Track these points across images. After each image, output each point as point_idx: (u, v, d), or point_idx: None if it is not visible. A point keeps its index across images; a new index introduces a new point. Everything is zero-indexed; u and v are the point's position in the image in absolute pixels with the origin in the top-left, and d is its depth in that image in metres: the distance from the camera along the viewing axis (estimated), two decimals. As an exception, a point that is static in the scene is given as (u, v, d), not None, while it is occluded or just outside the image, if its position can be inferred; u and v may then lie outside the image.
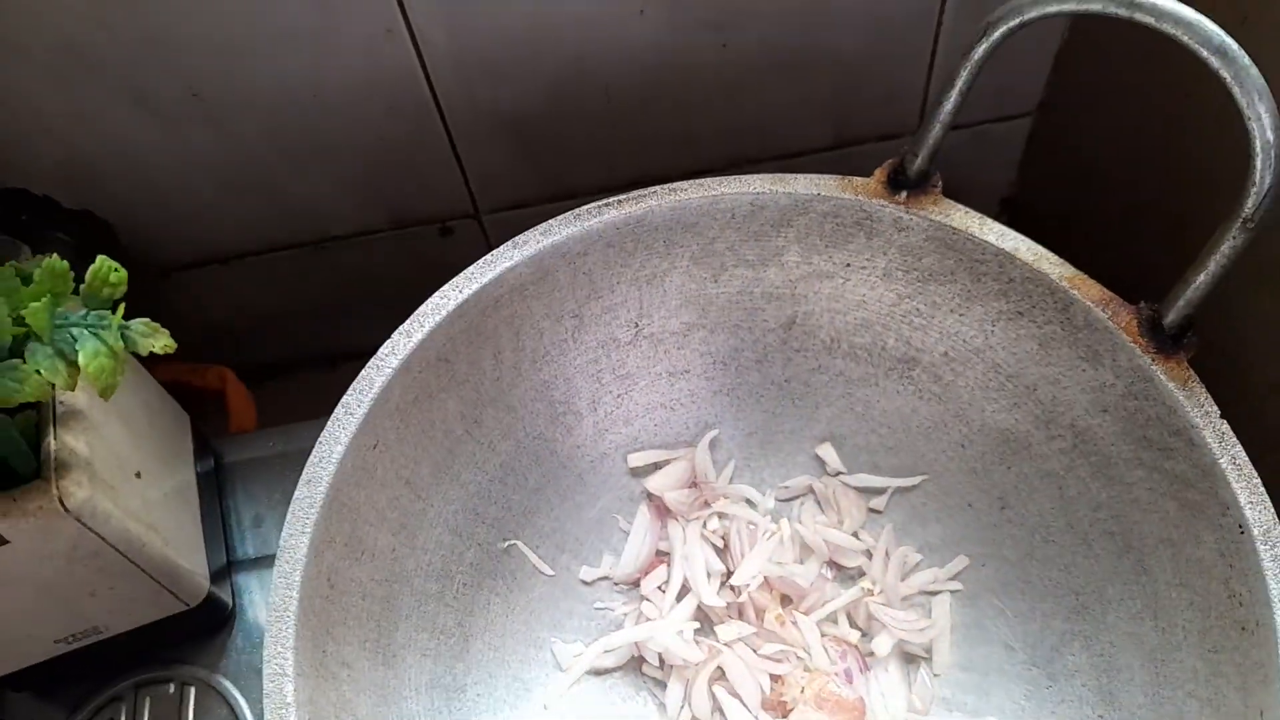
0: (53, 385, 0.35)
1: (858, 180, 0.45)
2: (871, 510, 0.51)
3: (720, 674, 0.46)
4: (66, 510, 0.37)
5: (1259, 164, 0.34)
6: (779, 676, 0.46)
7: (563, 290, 0.46)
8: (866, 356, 0.49)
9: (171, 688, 0.48)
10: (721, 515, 0.50)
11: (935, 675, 0.47)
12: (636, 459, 0.51)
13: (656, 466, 0.51)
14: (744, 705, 0.46)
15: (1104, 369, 0.42)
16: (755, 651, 0.47)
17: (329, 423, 0.40)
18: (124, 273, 0.37)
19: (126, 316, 0.37)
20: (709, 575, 0.48)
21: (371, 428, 0.41)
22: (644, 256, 0.46)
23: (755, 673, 0.46)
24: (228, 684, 0.48)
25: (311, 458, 0.39)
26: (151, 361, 0.45)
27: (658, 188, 0.45)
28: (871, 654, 0.47)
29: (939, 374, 0.48)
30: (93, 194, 0.54)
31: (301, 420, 0.54)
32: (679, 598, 0.48)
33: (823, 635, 0.47)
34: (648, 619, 0.48)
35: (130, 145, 0.52)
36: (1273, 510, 0.37)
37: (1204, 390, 0.39)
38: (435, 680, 0.43)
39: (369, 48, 0.49)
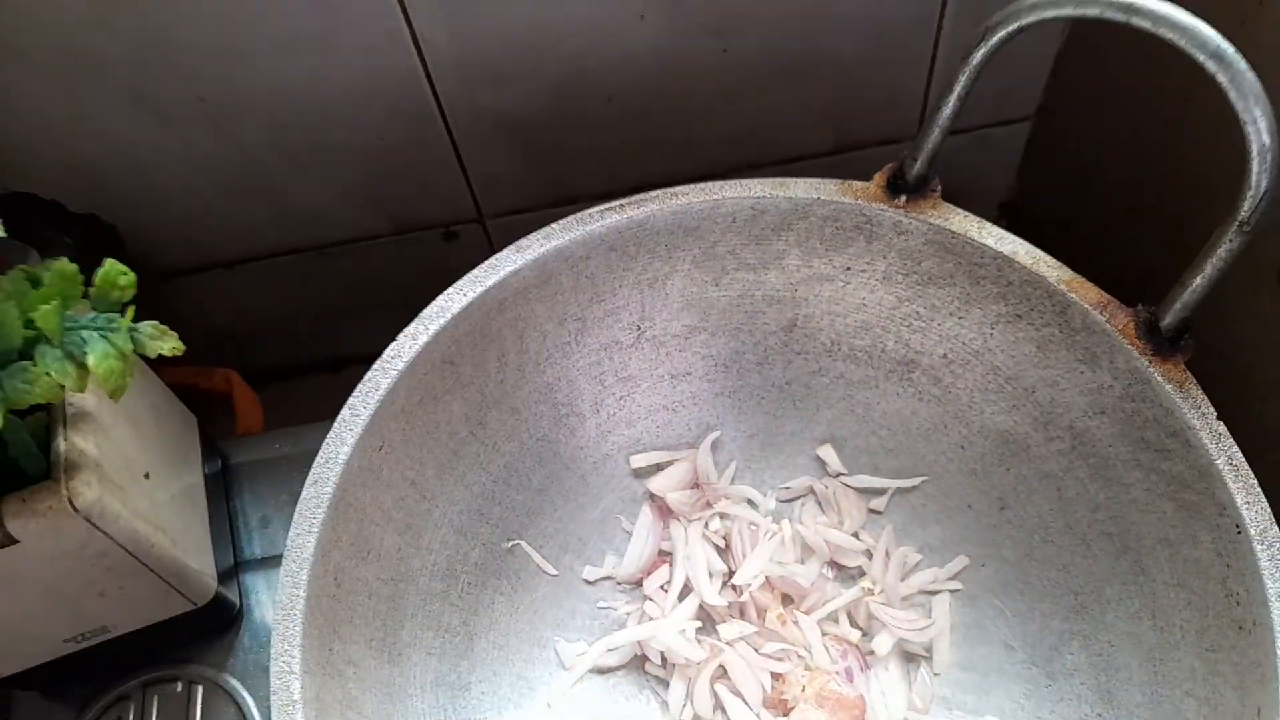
0: (63, 387, 0.35)
1: (857, 184, 0.45)
2: (872, 511, 0.51)
3: (722, 672, 0.47)
4: (76, 510, 0.37)
5: (1255, 167, 0.34)
6: (780, 675, 0.46)
7: (566, 293, 0.46)
8: (866, 359, 0.49)
9: (179, 686, 0.48)
10: (723, 516, 0.50)
11: (935, 674, 0.47)
12: (639, 460, 0.51)
13: (659, 468, 0.52)
14: (745, 704, 0.46)
15: (1102, 371, 0.42)
16: (757, 650, 0.47)
17: (335, 424, 0.40)
18: (133, 276, 0.37)
19: (132, 320, 0.37)
20: (711, 575, 0.49)
21: (377, 429, 0.41)
22: (646, 260, 0.47)
23: (757, 671, 0.46)
24: (235, 683, 0.48)
25: (318, 459, 0.40)
26: (159, 364, 0.45)
27: (659, 192, 0.45)
28: (872, 653, 0.47)
29: (938, 376, 0.48)
30: (96, 198, 0.54)
31: (304, 423, 0.54)
32: (681, 597, 0.49)
33: (823, 634, 0.48)
34: (650, 618, 0.48)
35: (133, 149, 0.52)
36: (1269, 510, 0.37)
37: (1200, 392, 0.39)
38: (440, 678, 0.44)
39: (372, 52, 0.50)
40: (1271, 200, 0.35)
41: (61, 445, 0.39)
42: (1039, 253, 0.43)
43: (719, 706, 0.46)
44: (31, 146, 0.51)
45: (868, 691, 0.46)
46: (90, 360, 0.35)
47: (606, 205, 0.45)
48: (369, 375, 0.41)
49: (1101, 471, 0.43)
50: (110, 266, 0.37)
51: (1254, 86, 0.33)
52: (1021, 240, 0.43)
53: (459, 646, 0.45)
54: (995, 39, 0.38)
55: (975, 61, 0.39)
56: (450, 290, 0.43)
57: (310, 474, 0.39)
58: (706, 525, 0.50)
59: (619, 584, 0.50)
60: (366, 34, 0.49)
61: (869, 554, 0.50)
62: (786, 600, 0.49)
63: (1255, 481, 0.38)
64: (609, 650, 0.48)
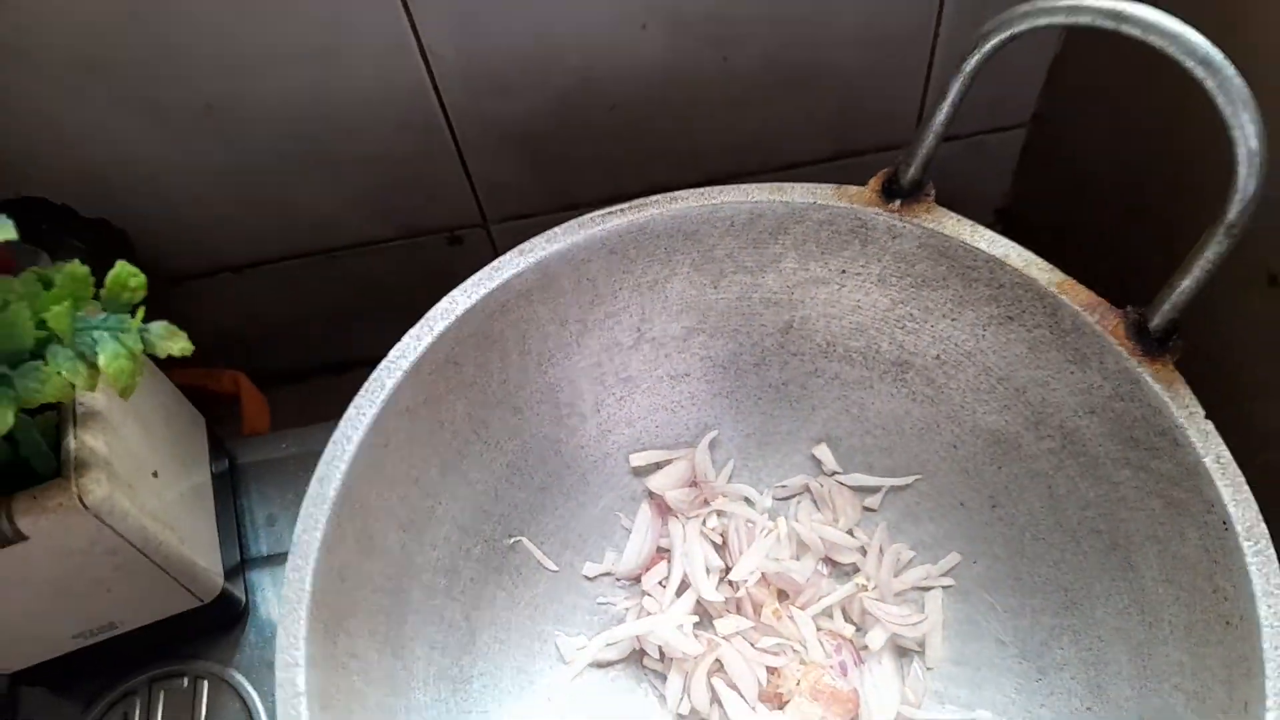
0: (73, 386, 0.35)
1: (853, 189, 0.45)
2: (866, 509, 0.51)
3: (719, 666, 0.47)
4: (85, 507, 0.38)
5: (1243, 171, 0.34)
6: (775, 669, 0.47)
7: (567, 296, 0.46)
8: (861, 360, 0.50)
9: (185, 682, 0.48)
10: (720, 513, 0.51)
11: (928, 669, 0.48)
12: (638, 459, 0.52)
13: (658, 466, 0.52)
14: (741, 697, 0.46)
15: (1092, 371, 0.42)
16: (753, 645, 0.47)
17: (341, 422, 0.41)
18: (143, 277, 0.37)
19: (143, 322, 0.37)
20: (708, 571, 0.49)
21: (382, 428, 0.41)
22: (646, 263, 0.47)
23: (752, 665, 0.46)
24: (240, 678, 0.48)
25: (324, 456, 0.40)
26: (168, 366, 0.45)
27: (658, 196, 0.45)
28: (866, 648, 0.48)
29: (931, 377, 0.49)
30: (107, 204, 0.54)
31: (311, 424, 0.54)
32: (679, 593, 0.49)
33: (818, 629, 0.48)
34: (649, 613, 0.48)
35: (144, 156, 0.52)
36: (1256, 507, 0.37)
37: (1189, 391, 0.39)
38: (442, 672, 0.44)
39: (380, 64, 0.50)
40: (1259, 204, 0.35)
41: (72, 444, 0.39)
42: (1030, 255, 0.43)
43: (715, 700, 0.47)
44: (43, 152, 0.51)
45: (861, 685, 0.47)
46: (101, 360, 0.35)
47: (607, 210, 0.45)
48: (374, 375, 0.42)
49: (1091, 470, 0.44)
50: (121, 268, 0.37)
51: (1241, 92, 0.33)
52: (1013, 243, 0.44)
53: (461, 640, 0.45)
54: (988, 46, 0.38)
55: (969, 68, 0.39)
56: (454, 292, 0.43)
57: (317, 470, 0.40)
58: (704, 523, 0.51)
59: (618, 580, 0.51)
60: (375, 46, 0.49)
61: (863, 551, 0.50)
62: (782, 596, 0.49)
63: (1242, 479, 0.38)
64: (608, 645, 0.48)
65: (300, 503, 0.39)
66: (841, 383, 0.51)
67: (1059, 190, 0.63)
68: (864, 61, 0.56)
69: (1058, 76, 0.59)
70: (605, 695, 0.48)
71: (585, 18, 0.50)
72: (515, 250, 0.44)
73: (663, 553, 0.51)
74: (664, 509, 0.51)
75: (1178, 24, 0.34)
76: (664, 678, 0.48)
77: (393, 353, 0.42)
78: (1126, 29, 0.34)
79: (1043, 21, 0.36)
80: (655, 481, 0.51)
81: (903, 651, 0.49)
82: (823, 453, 0.52)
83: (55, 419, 0.40)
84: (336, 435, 0.40)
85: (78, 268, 0.36)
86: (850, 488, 0.52)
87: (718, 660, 0.47)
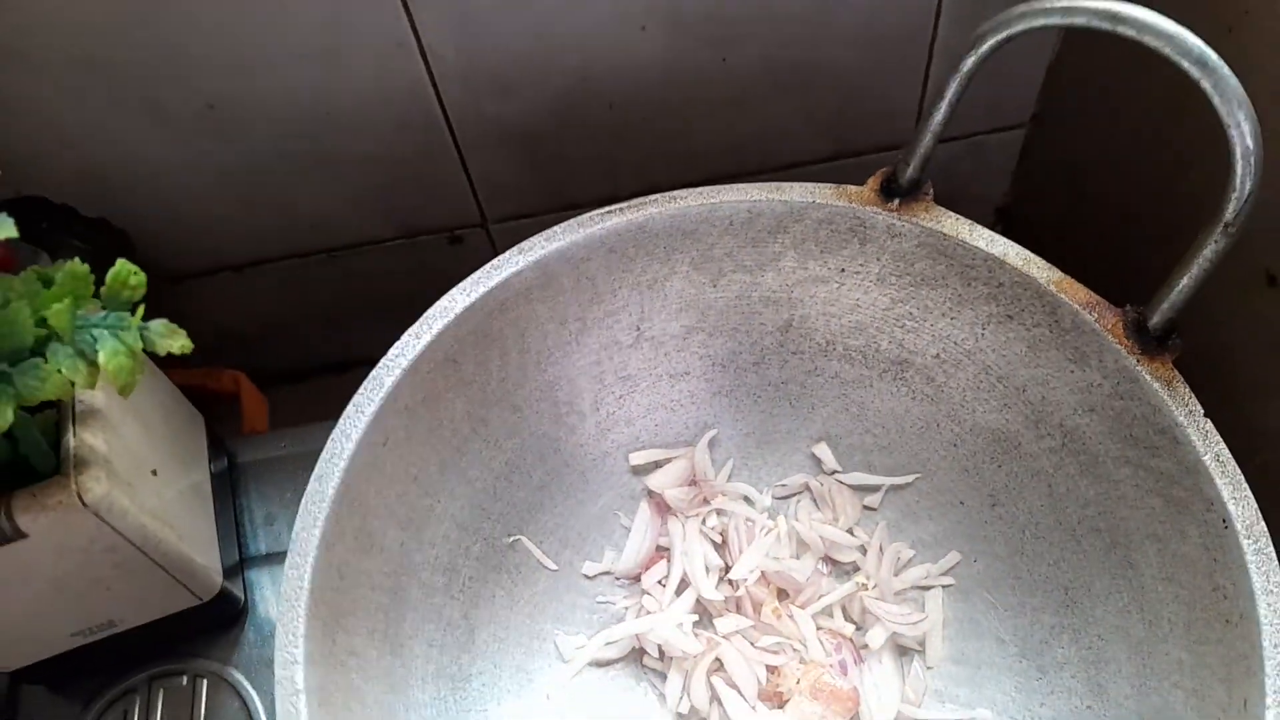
0: (73, 384, 0.35)
1: (852, 188, 0.45)
2: (866, 508, 0.51)
3: (718, 665, 0.47)
4: (85, 505, 0.38)
5: (1239, 170, 0.34)
6: (775, 668, 0.47)
7: (566, 294, 0.47)
8: (861, 359, 0.50)
9: (185, 680, 0.48)
10: (720, 512, 0.51)
11: (928, 668, 0.48)
12: (638, 458, 0.52)
13: (657, 465, 0.52)
14: (741, 696, 0.46)
15: (1091, 370, 0.42)
16: (752, 644, 0.47)
17: (340, 420, 0.41)
18: (143, 276, 0.37)
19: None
20: (708, 570, 0.49)
21: (381, 426, 0.41)
22: (645, 262, 0.47)
23: (752, 664, 0.47)
24: (240, 676, 0.48)
25: (323, 454, 0.40)
26: (168, 365, 0.45)
27: (658, 196, 0.45)
28: (866, 647, 0.48)
29: (931, 375, 0.49)
30: (108, 203, 0.54)
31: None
32: (678, 592, 0.49)
33: (818, 628, 0.48)
34: (648, 612, 0.48)
35: (144, 156, 0.52)
36: (1255, 505, 0.37)
37: (1188, 390, 0.40)
38: (441, 670, 0.44)
39: (380, 63, 0.50)
40: (1255, 202, 0.35)
41: (71, 442, 0.39)
42: (1029, 254, 0.43)
43: (715, 699, 0.47)
44: (44, 152, 0.51)
45: (861, 684, 0.47)
46: (101, 357, 0.35)
47: (607, 209, 0.45)
48: (374, 373, 0.42)
49: (1091, 468, 0.44)
50: (121, 266, 0.37)
51: (1237, 91, 0.33)
52: (1011, 242, 0.44)
53: (460, 639, 0.45)
54: (985, 47, 0.38)
55: (966, 69, 0.39)
56: (454, 290, 0.44)
57: (316, 468, 0.40)
58: (704, 521, 0.51)
59: (618, 579, 0.51)
60: (375, 46, 0.49)
61: (863, 550, 0.50)
62: (782, 595, 0.49)
63: (1242, 477, 0.38)
64: (607, 643, 0.48)
65: (299, 502, 0.39)
66: (841, 381, 0.51)
67: (1058, 190, 0.63)
68: (863, 62, 0.56)
69: (1056, 78, 0.59)
70: (604, 694, 0.48)
71: (585, 18, 0.50)
72: (514, 249, 0.45)
73: (662, 551, 0.51)
74: (663, 508, 0.51)
75: (1173, 25, 0.34)
76: (663, 676, 0.48)
77: (392, 351, 0.42)
78: (1122, 30, 0.34)
79: (1039, 22, 0.36)
80: (655, 480, 0.51)
81: (903, 650, 0.49)
82: (822, 451, 0.52)
83: (55, 417, 0.40)
84: (336, 433, 0.40)
85: (78, 266, 0.36)
86: (850, 486, 0.52)
87: (717, 659, 0.47)
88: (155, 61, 0.48)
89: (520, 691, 0.47)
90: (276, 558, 0.52)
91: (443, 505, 0.46)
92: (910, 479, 0.51)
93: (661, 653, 0.48)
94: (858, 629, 0.49)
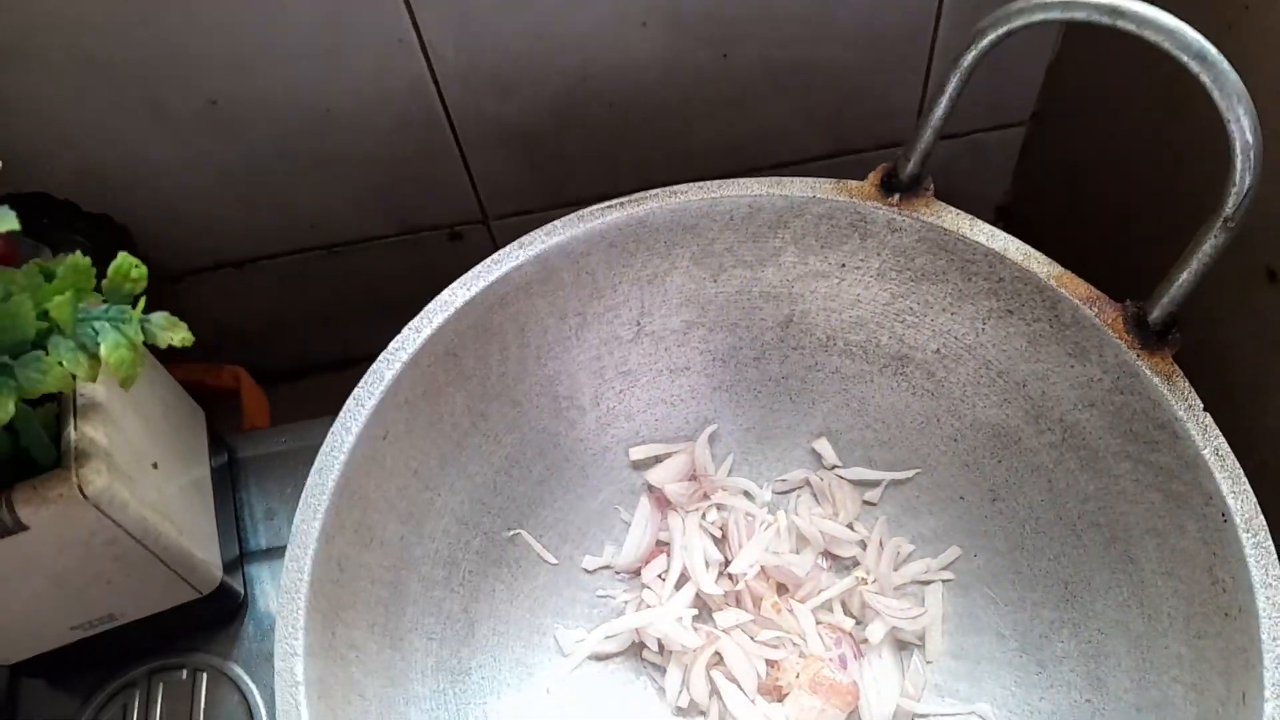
0: (74, 377, 0.35)
1: (852, 184, 0.45)
2: (866, 502, 0.51)
3: (718, 659, 0.47)
4: (85, 498, 0.38)
5: (1239, 165, 0.35)
6: (775, 662, 0.47)
7: (567, 289, 0.47)
8: (861, 354, 0.50)
9: (184, 674, 0.48)
10: (720, 507, 0.51)
11: (928, 662, 0.48)
12: (638, 452, 0.52)
13: (657, 460, 0.52)
14: (741, 689, 0.46)
15: (1091, 365, 0.42)
16: (752, 638, 0.47)
17: (341, 413, 0.41)
18: (144, 269, 0.37)
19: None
20: (707, 564, 0.49)
21: (381, 419, 0.42)
22: (645, 257, 0.47)
23: (752, 658, 0.47)
24: (239, 670, 0.48)
25: (324, 447, 0.40)
26: (169, 361, 0.46)
27: (658, 190, 0.46)
28: (865, 641, 0.48)
29: (931, 370, 0.49)
30: (109, 202, 0.55)
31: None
32: (678, 586, 0.49)
33: (818, 623, 0.48)
34: (648, 606, 0.48)
35: (146, 153, 0.53)
36: (1254, 500, 0.37)
37: (1188, 384, 0.40)
38: (441, 663, 0.44)
39: (381, 62, 0.50)
40: (1255, 197, 0.35)
41: (72, 434, 0.39)
42: (1029, 249, 0.44)
43: (715, 692, 0.47)
44: (47, 149, 0.51)
45: (861, 678, 0.47)
46: (102, 350, 0.35)
47: (607, 203, 0.45)
48: (374, 366, 0.42)
49: (1091, 463, 0.44)
50: (123, 259, 0.37)
51: (1236, 86, 0.34)
52: (1012, 237, 0.44)
53: (460, 632, 0.46)
54: (985, 42, 0.38)
55: (966, 64, 0.39)
56: (454, 285, 0.44)
57: (316, 461, 0.40)
58: (704, 516, 0.51)
59: (617, 573, 0.51)
60: (376, 45, 0.49)
61: (863, 544, 0.50)
62: (782, 589, 0.49)
63: (1241, 471, 0.38)
64: (607, 637, 0.48)
65: (299, 497, 0.39)
66: (841, 377, 0.51)
67: (1059, 187, 0.63)
68: (863, 61, 0.56)
69: (1057, 75, 0.59)
70: (604, 688, 0.48)
71: (585, 17, 0.50)
72: (515, 243, 0.45)
73: (662, 546, 0.51)
74: (663, 502, 0.51)
75: (1173, 19, 0.34)
76: (663, 670, 0.48)
77: (392, 345, 0.43)
78: (1122, 24, 0.35)
79: (1039, 17, 0.37)
80: (655, 475, 0.51)
81: (902, 645, 0.49)
82: (823, 447, 0.52)
83: (56, 410, 0.40)
84: (336, 427, 0.41)
85: (79, 259, 0.36)
86: (850, 482, 0.52)
87: (717, 653, 0.47)
88: (156, 60, 0.48)
89: (520, 685, 0.47)
90: (276, 552, 0.52)
91: (443, 499, 0.46)
92: (910, 474, 0.51)
93: (661, 647, 0.48)
94: (857, 623, 0.49)
